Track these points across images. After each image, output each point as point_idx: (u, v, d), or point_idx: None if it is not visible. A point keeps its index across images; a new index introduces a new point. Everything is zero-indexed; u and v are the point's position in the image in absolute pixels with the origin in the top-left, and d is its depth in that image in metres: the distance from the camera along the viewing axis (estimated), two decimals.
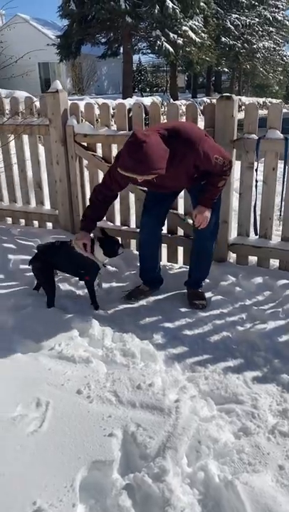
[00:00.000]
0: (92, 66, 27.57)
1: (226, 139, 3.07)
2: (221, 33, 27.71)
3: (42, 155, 4.06)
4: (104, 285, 3.14)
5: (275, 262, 3.30)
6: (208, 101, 19.12)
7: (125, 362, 2.28)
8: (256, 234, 3.25)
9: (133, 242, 3.66)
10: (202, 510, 1.54)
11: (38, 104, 3.95)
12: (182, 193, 3.20)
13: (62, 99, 3.68)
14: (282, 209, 3.15)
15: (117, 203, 3.56)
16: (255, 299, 2.94)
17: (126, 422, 1.84)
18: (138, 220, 3.36)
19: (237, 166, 3.24)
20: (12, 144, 4.14)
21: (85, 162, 3.86)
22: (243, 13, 29.46)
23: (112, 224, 3.74)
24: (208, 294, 3.00)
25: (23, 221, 4.36)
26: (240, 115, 3.10)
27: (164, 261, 3.50)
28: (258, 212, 3.22)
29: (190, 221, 3.14)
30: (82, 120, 3.78)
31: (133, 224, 3.69)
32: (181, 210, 3.45)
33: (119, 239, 3.19)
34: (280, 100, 32.97)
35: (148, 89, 33.65)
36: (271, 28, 33.05)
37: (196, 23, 21.30)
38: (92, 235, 2.78)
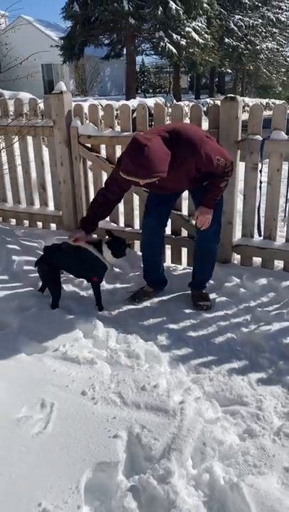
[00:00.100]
0: (95, 67, 27.64)
1: (230, 140, 3.07)
2: (224, 34, 27.71)
3: (46, 156, 4.07)
4: (109, 286, 3.14)
5: (279, 264, 3.30)
6: (212, 102, 18.99)
7: (130, 363, 2.28)
8: (260, 235, 3.25)
9: (137, 243, 3.66)
10: None
11: (42, 105, 3.96)
12: (186, 194, 3.19)
13: (66, 101, 3.69)
14: (287, 210, 3.14)
15: (120, 205, 3.55)
16: (260, 301, 2.93)
17: (131, 423, 1.83)
18: (141, 221, 3.36)
19: (241, 167, 3.23)
20: (16, 146, 4.14)
21: (88, 163, 3.86)
22: (247, 14, 29.44)
23: (115, 225, 3.75)
24: (212, 295, 3.00)
25: (27, 222, 4.36)
26: (245, 116, 3.10)
27: (167, 262, 3.50)
28: (262, 214, 3.21)
29: (194, 222, 3.14)
30: (86, 121, 3.79)
31: (137, 225, 3.70)
32: (185, 212, 3.45)
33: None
34: (283, 101, 32.86)
35: (151, 90, 33.72)
36: (274, 29, 33.08)
37: (200, 24, 21.33)
38: (94, 235, 2.78)
